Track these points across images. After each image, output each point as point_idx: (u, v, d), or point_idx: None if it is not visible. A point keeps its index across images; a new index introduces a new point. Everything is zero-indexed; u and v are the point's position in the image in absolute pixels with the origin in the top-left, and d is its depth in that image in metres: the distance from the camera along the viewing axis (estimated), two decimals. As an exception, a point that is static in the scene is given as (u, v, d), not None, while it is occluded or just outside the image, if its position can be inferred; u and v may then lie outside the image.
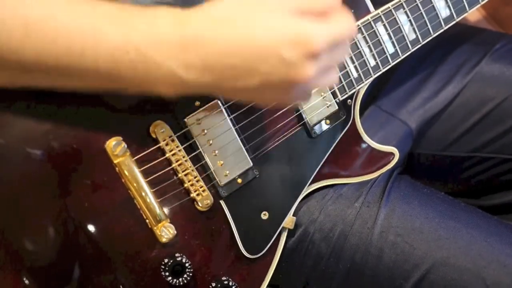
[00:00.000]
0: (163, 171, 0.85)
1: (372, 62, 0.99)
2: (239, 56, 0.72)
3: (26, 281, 0.80)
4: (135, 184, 0.83)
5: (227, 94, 0.82)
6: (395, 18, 0.99)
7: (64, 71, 0.73)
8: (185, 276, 0.86)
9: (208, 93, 0.80)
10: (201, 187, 0.88)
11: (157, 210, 0.84)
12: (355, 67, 0.98)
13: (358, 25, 0.97)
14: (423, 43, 1.02)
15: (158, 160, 0.86)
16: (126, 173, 0.83)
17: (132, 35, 0.72)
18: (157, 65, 0.72)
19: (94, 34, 0.71)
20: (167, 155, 0.86)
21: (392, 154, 1.04)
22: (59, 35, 0.71)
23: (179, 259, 0.86)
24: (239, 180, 0.91)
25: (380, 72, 1.00)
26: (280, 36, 0.71)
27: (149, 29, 0.72)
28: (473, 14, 1.55)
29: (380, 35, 0.99)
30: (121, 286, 0.84)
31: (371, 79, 1.00)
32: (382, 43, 0.99)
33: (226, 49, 0.72)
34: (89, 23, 0.72)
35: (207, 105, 0.88)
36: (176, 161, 0.86)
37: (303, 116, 0.96)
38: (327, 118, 0.97)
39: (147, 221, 0.85)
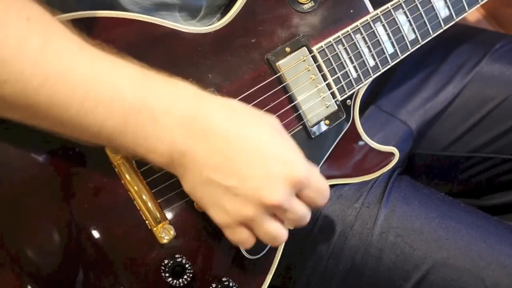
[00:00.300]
0: (162, 172, 0.85)
1: (372, 63, 0.99)
2: (237, 153, 0.76)
3: (26, 282, 0.80)
4: (135, 185, 0.83)
5: (200, 183, 0.78)
6: (394, 18, 0.99)
7: (69, 123, 0.73)
8: (185, 277, 0.86)
9: (179, 169, 0.78)
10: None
11: (157, 211, 0.85)
12: (354, 67, 0.98)
13: (357, 26, 0.97)
14: (423, 43, 1.02)
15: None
16: (126, 174, 0.83)
17: (149, 98, 0.74)
18: (164, 131, 0.74)
19: (111, 91, 0.73)
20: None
21: (392, 154, 1.04)
22: (76, 89, 0.72)
23: (179, 260, 0.86)
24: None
25: (379, 72, 1.00)
26: (281, 154, 0.77)
27: (166, 96, 0.75)
28: (473, 14, 1.55)
29: (379, 36, 0.99)
30: (121, 287, 0.84)
31: (371, 79, 1.00)
32: (381, 43, 0.99)
33: (228, 140, 0.75)
34: (109, 80, 0.73)
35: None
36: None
37: (302, 116, 0.95)
38: (326, 118, 0.97)
39: (147, 222, 0.85)
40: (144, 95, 0.74)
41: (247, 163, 0.76)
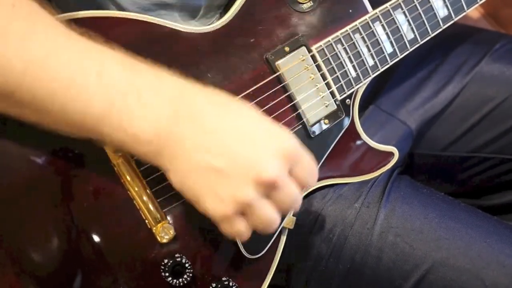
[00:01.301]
0: (162, 171, 0.86)
1: (371, 62, 0.99)
2: (225, 133, 0.75)
3: (26, 283, 0.80)
4: (134, 185, 0.84)
5: (189, 171, 0.76)
6: (393, 18, 0.99)
7: (55, 110, 0.73)
8: (185, 276, 0.86)
9: (167, 158, 0.76)
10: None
11: (157, 211, 0.85)
12: (353, 66, 0.98)
13: (356, 25, 0.97)
14: (422, 42, 1.02)
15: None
16: (126, 174, 0.83)
17: (137, 81, 0.74)
18: (151, 112, 0.73)
19: (97, 75, 0.72)
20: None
21: (391, 153, 1.04)
22: (61, 73, 0.71)
23: (179, 259, 0.86)
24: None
25: (378, 72, 1.00)
26: (268, 129, 0.77)
27: (153, 79, 0.75)
28: (473, 14, 1.55)
29: (378, 35, 0.99)
30: (120, 287, 0.84)
31: (370, 78, 1.00)
32: (380, 43, 0.99)
33: (215, 120, 0.75)
34: (94, 64, 0.73)
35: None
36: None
37: (302, 115, 0.95)
38: (326, 117, 0.97)
39: (146, 221, 0.85)
40: (131, 78, 0.73)
41: (238, 141, 0.74)
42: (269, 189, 0.76)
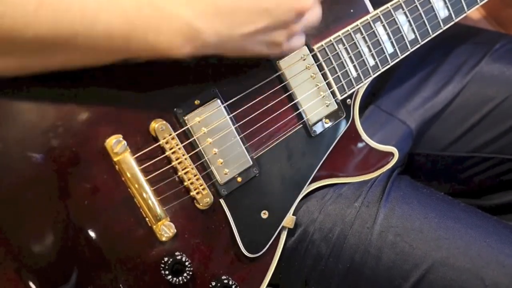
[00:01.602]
0: (163, 169, 0.86)
1: (371, 62, 0.99)
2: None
3: (26, 280, 0.80)
4: (135, 182, 0.83)
5: (236, 45, 0.83)
6: (394, 18, 0.99)
7: (79, 42, 0.73)
8: (184, 275, 0.86)
9: (219, 50, 0.82)
10: (201, 186, 0.88)
11: (157, 209, 0.85)
12: (354, 66, 0.98)
13: (358, 25, 0.97)
14: (422, 43, 1.02)
15: (158, 158, 0.86)
16: (126, 171, 0.83)
17: None
18: (171, 17, 0.75)
19: None
20: (167, 153, 0.86)
21: (391, 153, 1.04)
22: (73, 2, 0.72)
23: (179, 257, 0.86)
24: (239, 179, 0.91)
25: (379, 72, 1.00)
26: None
27: None
28: (473, 14, 1.55)
29: (379, 35, 0.99)
30: (120, 285, 0.84)
31: (370, 78, 1.00)
32: (381, 43, 0.99)
33: None
34: None
35: (206, 104, 0.88)
36: (176, 159, 0.86)
37: (303, 115, 0.96)
38: (326, 117, 0.98)
39: (146, 219, 0.85)
40: None
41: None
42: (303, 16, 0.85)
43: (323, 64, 0.96)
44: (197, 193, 0.88)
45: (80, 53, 0.75)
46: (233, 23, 0.79)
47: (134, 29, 0.74)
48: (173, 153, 0.86)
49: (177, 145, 0.86)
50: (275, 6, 0.81)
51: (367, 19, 0.98)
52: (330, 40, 0.96)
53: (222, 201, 0.90)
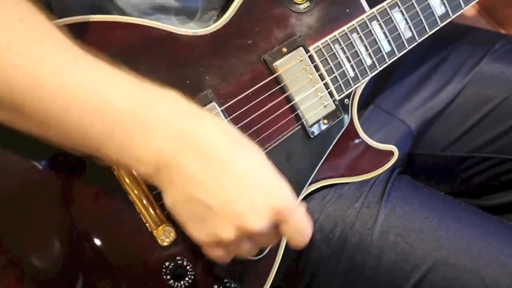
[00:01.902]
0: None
1: (369, 61, 0.99)
2: (226, 175, 0.75)
3: (27, 286, 0.80)
4: (134, 188, 0.83)
5: (182, 200, 0.76)
6: (390, 16, 0.99)
7: (58, 126, 0.72)
8: (186, 279, 0.86)
9: (165, 181, 0.76)
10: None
11: (157, 214, 0.85)
12: (351, 66, 0.98)
13: (354, 25, 0.98)
14: (419, 40, 1.02)
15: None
16: (126, 177, 0.83)
17: (141, 114, 0.73)
18: (156, 141, 0.73)
19: (102, 97, 0.72)
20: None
21: (391, 152, 1.04)
22: (65, 91, 0.71)
23: (180, 262, 0.86)
24: (239, 181, 0.91)
25: (376, 71, 1.00)
26: (268, 181, 0.77)
27: (165, 109, 0.74)
28: (473, 14, 1.55)
29: (375, 34, 0.99)
30: (122, 290, 0.84)
31: (368, 78, 1.00)
32: (378, 42, 0.99)
33: (221, 162, 0.75)
34: (102, 85, 0.72)
35: (204, 108, 0.88)
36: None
37: (301, 116, 0.96)
38: (324, 118, 0.97)
39: (147, 224, 0.85)
40: (137, 107, 0.73)
41: (235, 188, 0.75)
42: (252, 236, 0.77)
43: (320, 64, 0.96)
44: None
45: (52, 132, 0.74)
46: (200, 179, 0.74)
47: (112, 135, 0.72)
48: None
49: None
50: (239, 195, 0.75)
51: (363, 18, 0.98)
52: (326, 41, 0.96)
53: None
